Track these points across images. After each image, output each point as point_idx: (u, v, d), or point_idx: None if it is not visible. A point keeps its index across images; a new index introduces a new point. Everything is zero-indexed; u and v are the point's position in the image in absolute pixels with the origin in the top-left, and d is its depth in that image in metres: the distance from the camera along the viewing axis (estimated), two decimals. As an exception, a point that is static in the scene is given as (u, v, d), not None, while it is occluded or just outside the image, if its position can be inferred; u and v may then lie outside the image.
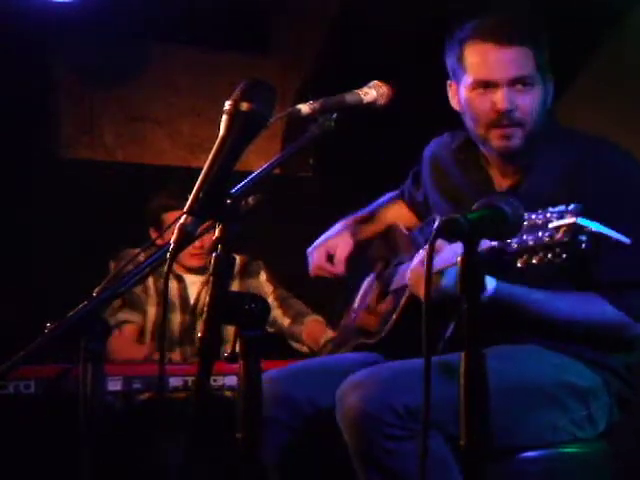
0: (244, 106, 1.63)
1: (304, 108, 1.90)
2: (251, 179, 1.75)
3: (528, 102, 2.31)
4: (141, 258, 1.87)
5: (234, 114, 1.63)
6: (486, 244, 1.79)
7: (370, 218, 2.81)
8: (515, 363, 2.26)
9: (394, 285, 2.56)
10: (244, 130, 1.64)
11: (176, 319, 3.86)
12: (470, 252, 1.57)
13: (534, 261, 1.65)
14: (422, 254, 2.20)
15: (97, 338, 1.73)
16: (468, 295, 1.56)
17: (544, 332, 2.28)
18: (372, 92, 1.99)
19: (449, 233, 1.59)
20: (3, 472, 3.09)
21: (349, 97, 1.97)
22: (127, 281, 1.75)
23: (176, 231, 1.59)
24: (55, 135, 4.68)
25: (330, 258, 2.66)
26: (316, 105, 1.90)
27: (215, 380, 3.17)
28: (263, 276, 4.04)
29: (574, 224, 1.57)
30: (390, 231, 2.77)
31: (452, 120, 2.57)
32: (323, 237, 2.71)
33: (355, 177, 4.45)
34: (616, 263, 2.19)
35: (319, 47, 4.60)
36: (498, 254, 1.75)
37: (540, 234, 1.62)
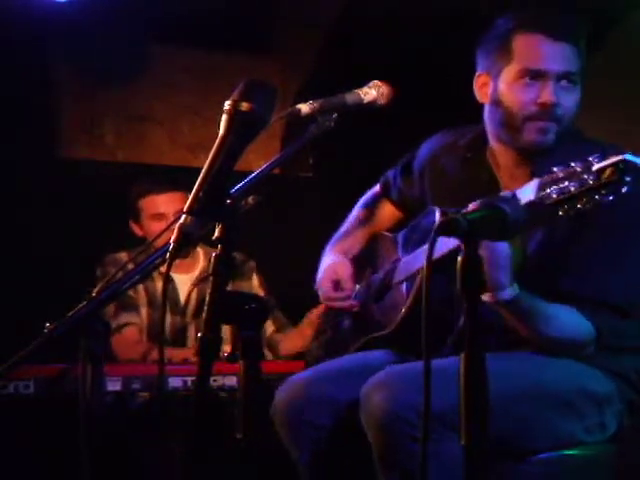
0: (244, 106, 1.63)
1: (304, 108, 1.90)
2: (251, 179, 1.75)
3: (571, 100, 2.29)
4: (141, 257, 1.87)
5: (234, 114, 1.64)
6: (525, 198, 1.79)
7: (352, 233, 2.80)
8: (535, 368, 2.26)
9: (398, 278, 2.55)
10: (244, 130, 1.64)
11: (166, 320, 3.84)
12: (470, 252, 1.57)
13: (579, 206, 1.64)
14: None
15: (97, 338, 1.74)
16: (468, 295, 1.56)
17: (530, 344, 2.26)
18: (372, 92, 1.99)
19: (448, 233, 1.59)
20: (3, 472, 3.09)
21: (349, 97, 1.96)
22: (127, 281, 1.75)
23: (176, 231, 1.59)
24: (55, 135, 4.68)
25: (336, 285, 2.66)
26: (316, 105, 1.90)
27: (215, 380, 3.16)
28: (255, 281, 4.00)
29: (623, 161, 1.56)
30: (374, 241, 2.78)
31: (452, 120, 2.56)
32: (320, 270, 2.71)
33: (355, 177, 4.44)
34: (594, 281, 2.22)
35: (319, 47, 4.60)
36: (537, 207, 1.75)
37: (584, 178, 1.61)
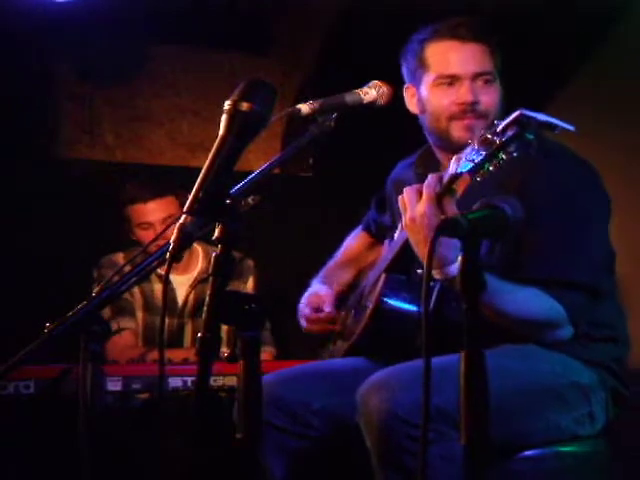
0: (244, 106, 1.63)
1: (304, 108, 1.91)
2: (251, 179, 1.76)
3: (491, 96, 2.37)
4: (137, 260, 1.87)
5: (234, 114, 1.63)
6: (448, 175, 1.93)
7: (337, 269, 2.85)
8: (526, 362, 2.28)
9: (367, 289, 2.59)
10: (244, 130, 1.64)
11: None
12: (470, 252, 1.57)
13: (491, 169, 1.78)
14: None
15: (97, 338, 1.74)
16: (468, 295, 1.56)
17: (489, 323, 2.26)
18: (372, 92, 2.00)
19: (449, 233, 1.59)
20: (3, 472, 3.09)
21: (349, 97, 1.97)
22: (124, 283, 1.75)
23: (175, 231, 1.59)
24: (55, 135, 4.67)
25: (317, 311, 2.70)
26: (316, 105, 1.91)
27: (215, 380, 3.16)
28: (250, 284, 3.99)
29: (520, 115, 1.66)
30: (360, 277, 2.82)
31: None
32: (303, 298, 2.75)
33: (355, 177, 4.44)
34: (556, 261, 2.24)
35: (319, 47, 4.60)
36: (458, 178, 1.90)
37: (493, 140, 1.73)
